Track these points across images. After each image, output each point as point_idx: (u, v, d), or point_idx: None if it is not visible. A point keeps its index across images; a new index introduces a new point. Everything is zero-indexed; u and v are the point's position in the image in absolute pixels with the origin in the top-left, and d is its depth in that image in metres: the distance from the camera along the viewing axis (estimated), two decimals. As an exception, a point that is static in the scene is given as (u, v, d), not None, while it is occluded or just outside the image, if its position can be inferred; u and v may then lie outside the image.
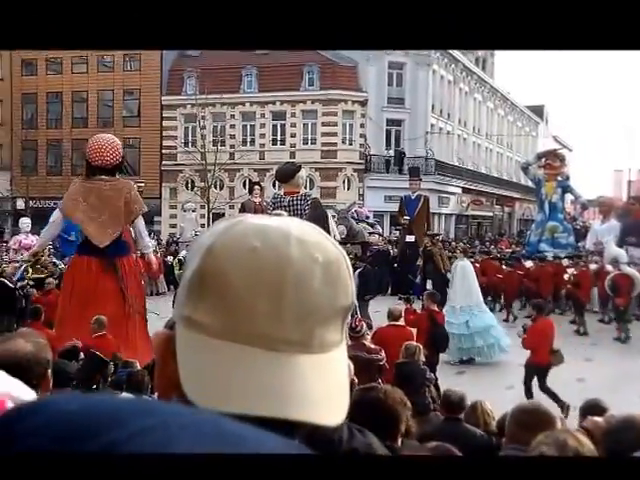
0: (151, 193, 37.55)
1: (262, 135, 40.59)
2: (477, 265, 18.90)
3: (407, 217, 25.99)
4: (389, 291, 21.89)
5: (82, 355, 7.43)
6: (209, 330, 0.83)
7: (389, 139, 40.37)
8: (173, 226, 38.23)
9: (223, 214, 38.87)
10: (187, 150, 39.35)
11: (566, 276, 19.87)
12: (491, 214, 51.50)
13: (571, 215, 33.03)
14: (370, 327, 10.28)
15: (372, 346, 8.25)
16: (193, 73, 40.34)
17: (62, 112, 43.19)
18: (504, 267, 21.17)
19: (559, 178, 28.41)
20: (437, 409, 6.64)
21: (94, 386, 6.68)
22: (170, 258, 25.54)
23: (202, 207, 36.53)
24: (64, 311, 11.05)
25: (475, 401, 5.96)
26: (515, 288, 19.94)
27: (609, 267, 19.16)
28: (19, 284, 16.35)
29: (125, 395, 5.65)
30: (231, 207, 37.49)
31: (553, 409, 4.01)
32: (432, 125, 41.71)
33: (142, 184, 32.43)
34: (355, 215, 24.29)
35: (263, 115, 40.50)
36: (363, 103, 39.53)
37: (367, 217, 26.49)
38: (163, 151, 41.61)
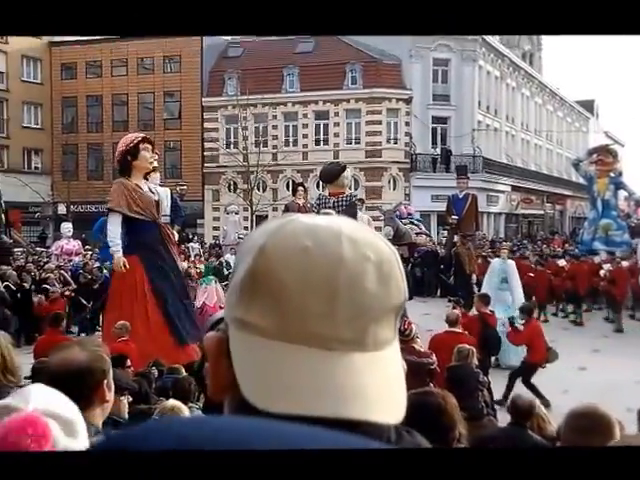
0: (193, 196, 37.23)
1: (305, 135, 40.12)
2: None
3: (455, 217, 25.34)
4: (438, 293, 21.49)
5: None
6: (263, 331, 0.85)
7: (435, 137, 39.76)
8: (216, 229, 37.76)
9: (266, 216, 38.50)
10: (229, 152, 39.05)
11: (602, 272, 19.64)
12: (542, 212, 50.46)
13: (625, 212, 32.13)
14: None
15: (422, 350, 8.16)
16: (234, 74, 40.02)
17: (102, 115, 43.13)
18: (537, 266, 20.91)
19: (611, 174, 27.48)
20: (491, 414, 6.75)
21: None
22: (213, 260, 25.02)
23: (245, 209, 36.10)
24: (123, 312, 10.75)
25: None
26: (545, 287, 19.72)
27: None
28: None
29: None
30: (274, 209, 37.23)
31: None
32: (479, 122, 40.97)
33: (184, 187, 32.14)
34: (397, 214, 23.95)
35: (306, 115, 39.98)
36: (408, 101, 38.91)
37: (409, 214, 25.99)
38: (205, 153, 41.28)
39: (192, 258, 24.00)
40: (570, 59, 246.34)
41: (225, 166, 39.99)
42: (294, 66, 39.51)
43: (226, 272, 22.87)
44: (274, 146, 39.39)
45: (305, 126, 40.06)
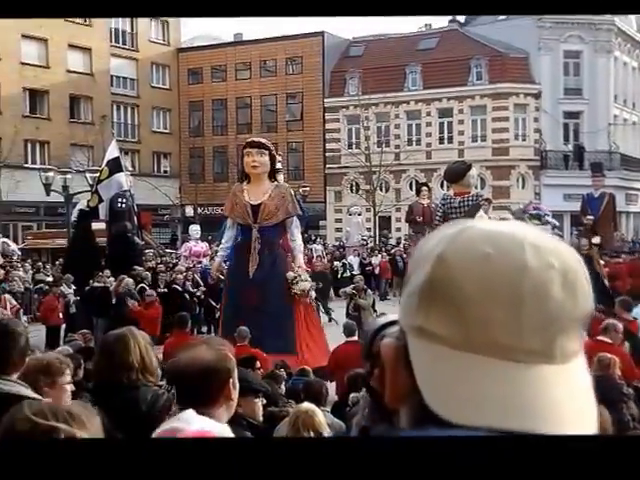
0: (316, 197, 37.25)
1: (428, 134, 39.47)
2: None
3: (590, 217, 24.12)
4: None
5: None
6: (445, 340, 0.83)
7: (567, 133, 38.29)
8: (338, 230, 37.63)
9: (389, 217, 38.15)
10: (351, 152, 38.93)
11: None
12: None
13: None
14: None
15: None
16: (355, 73, 39.93)
17: (227, 119, 43.92)
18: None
19: None
20: (638, 428, 6.26)
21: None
22: (337, 263, 24.85)
23: (367, 210, 35.87)
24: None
25: None
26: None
27: None
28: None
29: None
30: (397, 209, 36.93)
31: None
32: (615, 116, 38.98)
33: (307, 188, 32.23)
34: (531, 209, 23.11)
35: (429, 113, 39.35)
36: (537, 95, 37.69)
37: (536, 208, 24.97)
38: (327, 154, 41.29)
39: (314, 260, 23.88)
40: None
41: (347, 167, 39.90)
42: (416, 63, 39.00)
43: (347, 274, 22.66)
44: (396, 145, 38.99)
45: (428, 124, 39.43)
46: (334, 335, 12.23)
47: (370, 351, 1.07)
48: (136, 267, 17.48)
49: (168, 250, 29.08)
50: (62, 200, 24.09)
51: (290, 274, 11.59)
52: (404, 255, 24.22)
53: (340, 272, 23.57)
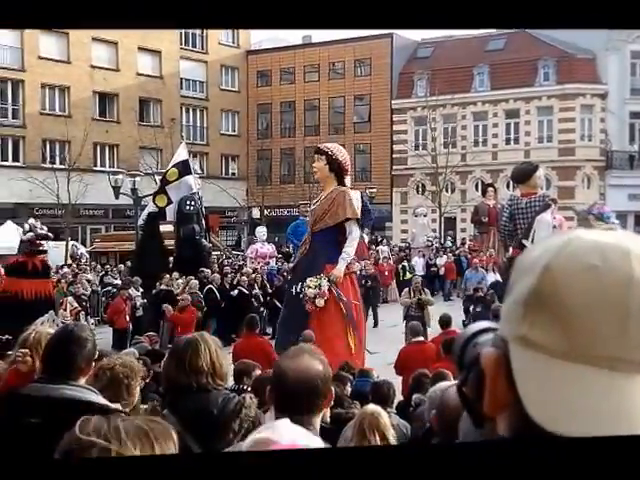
0: (382, 198, 37.53)
1: (495, 135, 39.23)
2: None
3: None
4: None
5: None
6: (549, 350, 0.84)
7: (633, 133, 37.56)
8: (404, 231, 37.75)
9: (454, 218, 38.15)
10: (418, 154, 38.91)
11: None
12: None
13: None
14: None
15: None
16: (424, 75, 39.85)
17: (295, 121, 44.10)
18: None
19: None
20: None
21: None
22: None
23: (433, 211, 35.94)
24: None
25: None
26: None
27: None
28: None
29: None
30: (463, 210, 36.86)
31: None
32: (682, 116, 38.00)
33: (374, 189, 32.52)
34: (595, 211, 22.98)
35: (496, 114, 39.08)
36: (603, 96, 37.08)
37: (600, 210, 24.73)
38: (393, 155, 41.33)
39: (380, 261, 24.22)
40: None
41: (413, 168, 39.93)
42: (484, 64, 38.78)
43: (409, 276, 22.52)
44: (463, 147, 38.78)
45: (495, 125, 39.20)
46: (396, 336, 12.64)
47: (462, 359, 1.11)
48: (204, 269, 17.74)
49: (235, 252, 29.46)
50: (131, 203, 23.81)
51: (308, 280, 10.88)
52: (468, 256, 24.32)
53: (401, 274, 23.57)
